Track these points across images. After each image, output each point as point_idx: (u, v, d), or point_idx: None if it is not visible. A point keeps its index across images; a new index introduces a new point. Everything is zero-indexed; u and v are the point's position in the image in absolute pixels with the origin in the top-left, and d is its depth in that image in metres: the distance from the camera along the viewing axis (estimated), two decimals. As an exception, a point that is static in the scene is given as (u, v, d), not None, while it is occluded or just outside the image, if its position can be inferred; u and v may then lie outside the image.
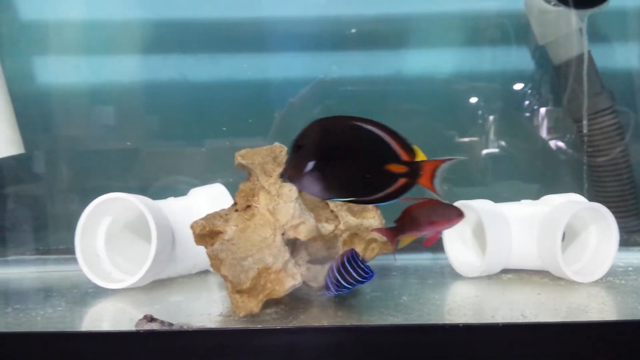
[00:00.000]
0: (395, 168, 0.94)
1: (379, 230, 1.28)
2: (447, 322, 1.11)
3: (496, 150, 2.05)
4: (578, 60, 1.86)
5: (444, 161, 0.96)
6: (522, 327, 1.04)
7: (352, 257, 1.15)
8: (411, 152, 0.94)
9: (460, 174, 1.98)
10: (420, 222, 1.13)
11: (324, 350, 0.99)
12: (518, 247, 1.46)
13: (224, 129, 2.02)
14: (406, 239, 1.17)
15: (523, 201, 1.57)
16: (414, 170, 0.95)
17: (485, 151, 2.05)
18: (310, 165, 0.92)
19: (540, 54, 2.04)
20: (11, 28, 1.95)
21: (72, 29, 2.00)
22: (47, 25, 1.99)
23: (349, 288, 1.17)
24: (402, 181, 0.95)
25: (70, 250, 1.71)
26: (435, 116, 2.07)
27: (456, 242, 1.56)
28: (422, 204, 1.12)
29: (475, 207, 1.45)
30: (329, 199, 1.22)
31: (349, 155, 0.94)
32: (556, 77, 1.98)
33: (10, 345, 1.05)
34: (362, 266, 1.14)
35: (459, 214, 1.13)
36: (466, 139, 2.07)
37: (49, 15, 1.98)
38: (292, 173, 0.94)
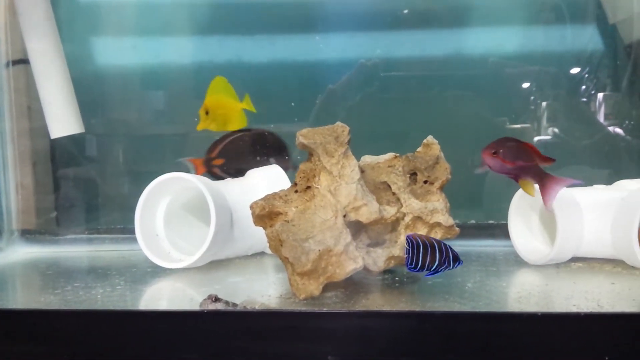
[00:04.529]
0: None
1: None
2: (521, 310, 1.05)
3: (562, 136, 1.97)
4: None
5: None
6: (605, 317, 0.98)
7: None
8: None
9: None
10: None
11: (395, 336, 0.95)
12: (590, 235, 1.38)
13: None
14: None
15: (596, 186, 1.49)
16: None
17: (541, 138, 1.98)
18: None
19: (604, 35, 1.94)
20: (69, 10, 1.96)
21: (128, 10, 2.00)
22: (104, 6, 2.00)
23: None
24: None
25: (127, 230, 1.74)
26: (485, 101, 2.00)
27: (522, 228, 1.50)
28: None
29: (544, 192, 1.38)
30: None
31: None
32: (626, 58, 1.88)
33: (72, 323, 1.05)
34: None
35: None
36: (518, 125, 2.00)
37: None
38: None
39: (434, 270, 1.15)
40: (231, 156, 1.71)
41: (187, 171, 1.69)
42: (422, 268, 1.14)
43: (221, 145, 1.74)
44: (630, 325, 0.98)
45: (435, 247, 1.14)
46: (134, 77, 2.04)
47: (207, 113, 1.42)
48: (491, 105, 2.00)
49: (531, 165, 1.22)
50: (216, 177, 1.74)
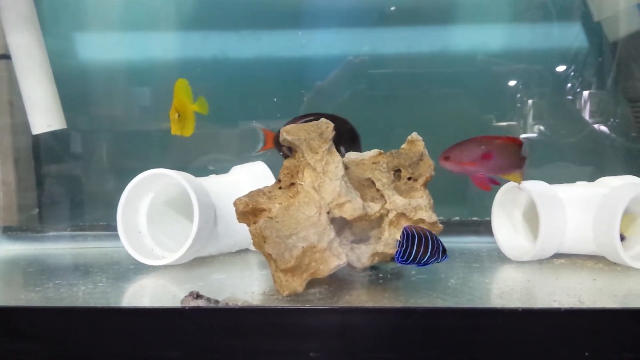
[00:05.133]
0: None
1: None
2: (503, 306, 1.06)
3: (548, 133, 1.98)
4: (636, 37, 1.77)
5: None
6: (585, 312, 0.98)
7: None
8: None
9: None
10: None
11: (378, 332, 0.95)
12: (572, 231, 1.39)
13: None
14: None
15: (578, 183, 1.50)
16: None
17: (527, 135, 1.99)
18: None
19: (590, 33, 1.95)
20: (52, 5, 1.94)
21: (112, 5, 1.98)
22: (87, 1, 1.97)
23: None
24: None
25: (110, 227, 1.73)
26: (472, 99, 2.01)
27: (505, 224, 1.50)
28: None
29: (527, 188, 1.39)
30: None
31: None
32: (611, 55, 1.89)
33: (52, 320, 1.04)
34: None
35: None
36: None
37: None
38: None
39: (424, 262, 1.15)
40: None
41: (258, 138, 1.65)
42: (413, 260, 1.14)
43: None
44: (611, 320, 0.98)
45: (428, 238, 1.15)
46: (118, 73, 2.02)
47: (178, 116, 1.40)
48: (478, 103, 2.01)
49: (503, 161, 1.21)
50: (284, 156, 1.69)
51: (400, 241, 1.14)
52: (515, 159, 1.24)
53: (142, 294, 1.28)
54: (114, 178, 1.98)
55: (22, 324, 1.04)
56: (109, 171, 1.99)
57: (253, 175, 1.57)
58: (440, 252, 1.16)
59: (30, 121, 1.60)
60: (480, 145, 1.22)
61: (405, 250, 1.13)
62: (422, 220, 1.30)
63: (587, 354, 0.95)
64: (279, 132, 1.64)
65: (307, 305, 1.05)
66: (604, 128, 1.98)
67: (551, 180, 1.47)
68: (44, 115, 1.58)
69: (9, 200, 1.85)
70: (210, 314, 0.99)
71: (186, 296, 1.03)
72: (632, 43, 1.80)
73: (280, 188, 1.27)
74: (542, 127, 2.00)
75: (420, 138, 1.38)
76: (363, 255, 1.28)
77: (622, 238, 1.35)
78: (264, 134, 1.59)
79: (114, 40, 2.01)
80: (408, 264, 1.15)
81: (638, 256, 1.36)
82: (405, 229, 1.14)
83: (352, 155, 1.38)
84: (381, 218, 1.31)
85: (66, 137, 1.91)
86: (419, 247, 1.13)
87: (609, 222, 1.31)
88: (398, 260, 1.14)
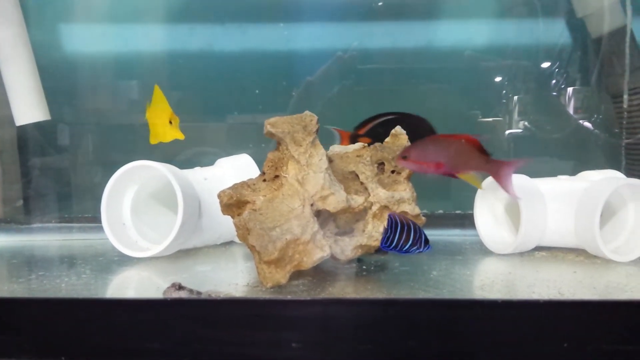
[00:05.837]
0: None
1: None
2: (483, 297, 1.07)
3: (533, 129, 2.00)
4: (618, 33, 1.79)
5: None
6: (564, 304, 1.00)
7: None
8: None
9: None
10: None
11: (358, 324, 0.95)
12: (553, 224, 1.41)
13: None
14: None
15: (560, 177, 1.51)
16: None
17: (512, 131, 2.01)
18: None
19: (573, 30, 1.97)
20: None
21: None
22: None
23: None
24: None
25: (95, 219, 1.72)
26: (459, 94, 2.02)
27: (488, 217, 1.52)
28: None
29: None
30: None
31: None
32: (593, 52, 1.91)
33: (35, 311, 1.04)
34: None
35: None
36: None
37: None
38: None
39: (405, 250, 1.16)
40: (378, 137, 1.56)
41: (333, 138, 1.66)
42: (395, 247, 1.16)
43: (371, 124, 1.65)
44: (590, 312, 0.99)
45: (411, 227, 1.16)
46: (104, 65, 2.01)
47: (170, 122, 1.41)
48: (464, 98, 2.02)
49: (460, 161, 1.20)
50: None
51: (385, 228, 1.15)
52: (473, 158, 1.19)
53: (126, 285, 1.27)
54: (99, 170, 1.97)
55: (5, 315, 1.04)
56: (94, 163, 1.98)
57: (238, 168, 1.57)
58: (422, 241, 1.17)
59: (14, 113, 1.59)
60: (436, 144, 1.20)
61: (388, 238, 1.15)
62: (405, 213, 1.31)
63: (565, 345, 0.96)
64: (354, 130, 1.64)
65: (289, 297, 1.06)
66: (587, 124, 2.00)
67: (535, 175, 1.49)
68: (28, 106, 1.57)
69: (-7, 192, 1.84)
70: (192, 305, 0.99)
71: (168, 287, 1.03)
72: (615, 39, 1.82)
73: (264, 180, 1.27)
74: (527, 123, 2.02)
75: (403, 132, 1.39)
76: (347, 247, 1.29)
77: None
78: (340, 134, 1.59)
79: (100, 33, 2.00)
80: (391, 250, 1.16)
81: (618, 249, 1.39)
82: (389, 216, 1.16)
83: (336, 149, 1.39)
84: (365, 211, 1.31)
85: (51, 128, 1.90)
86: (402, 235, 1.15)
87: (590, 216, 1.33)
88: (382, 246, 1.15)
